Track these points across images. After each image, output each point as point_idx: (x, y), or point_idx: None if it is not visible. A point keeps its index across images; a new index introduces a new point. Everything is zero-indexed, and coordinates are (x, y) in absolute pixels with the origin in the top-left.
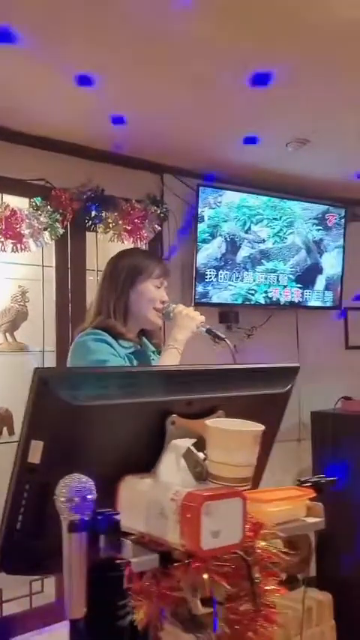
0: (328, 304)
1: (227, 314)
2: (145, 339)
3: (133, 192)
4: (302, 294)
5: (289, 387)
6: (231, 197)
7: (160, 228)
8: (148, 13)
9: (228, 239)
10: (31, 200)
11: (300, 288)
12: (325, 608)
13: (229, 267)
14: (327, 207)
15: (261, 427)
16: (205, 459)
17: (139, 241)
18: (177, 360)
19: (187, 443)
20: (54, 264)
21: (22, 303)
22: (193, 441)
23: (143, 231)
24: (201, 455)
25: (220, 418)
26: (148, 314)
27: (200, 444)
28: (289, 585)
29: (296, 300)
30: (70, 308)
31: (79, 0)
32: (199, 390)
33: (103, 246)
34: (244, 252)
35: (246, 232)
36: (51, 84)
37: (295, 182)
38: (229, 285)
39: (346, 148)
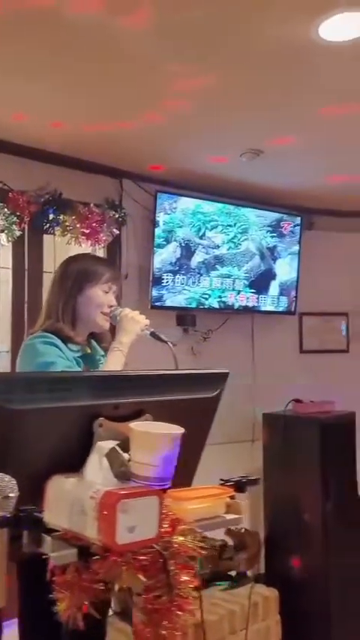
0: (282, 309)
1: (184, 317)
2: (94, 343)
3: (92, 197)
4: (256, 299)
5: (217, 391)
6: (186, 203)
7: (118, 232)
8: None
9: (183, 244)
10: None
11: (254, 293)
12: (271, 603)
13: (183, 272)
14: (281, 215)
15: (180, 430)
16: (129, 460)
17: (96, 245)
18: (121, 361)
19: (110, 444)
20: (11, 266)
21: None
22: (116, 442)
23: (101, 235)
24: (126, 456)
25: (145, 421)
26: (96, 318)
27: (126, 446)
28: (240, 581)
29: (250, 305)
30: (26, 310)
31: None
32: (127, 395)
33: (61, 249)
34: (198, 258)
35: (200, 238)
36: (6, 88)
37: (250, 190)
38: (184, 289)
39: (299, 159)
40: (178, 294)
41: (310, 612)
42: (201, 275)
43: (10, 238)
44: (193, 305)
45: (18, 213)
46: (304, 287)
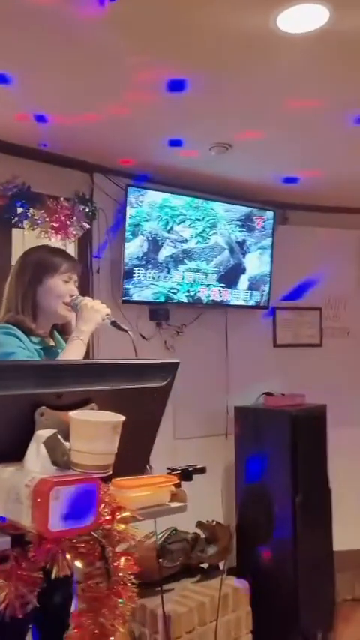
0: (252, 303)
1: (157, 311)
2: (57, 335)
3: (62, 191)
4: (228, 293)
5: (167, 381)
6: (153, 197)
7: (89, 226)
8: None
9: (150, 238)
10: None
11: (224, 287)
12: (242, 595)
13: (150, 266)
14: (251, 209)
15: (120, 418)
16: (70, 449)
17: (66, 239)
18: (82, 350)
19: (48, 433)
20: None
21: None
22: (54, 431)
23: (71, 229)
24: (67, 444)
25: (87, 410)
26: (57, 309)
27: (68, 434)
28: (211, 573)
29: (220, 300)
30: None
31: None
32: (70, 384)
33: (31, 243)
34: (166, 252)
35: (168, 232)
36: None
37: (222, 185)
38: (151, 283)
39: (270, 153)
40: (146, 289)
41: (279, 603)
42: (169, 269)
43: None
44: (162, 299)
45: None
46: (278, 281)
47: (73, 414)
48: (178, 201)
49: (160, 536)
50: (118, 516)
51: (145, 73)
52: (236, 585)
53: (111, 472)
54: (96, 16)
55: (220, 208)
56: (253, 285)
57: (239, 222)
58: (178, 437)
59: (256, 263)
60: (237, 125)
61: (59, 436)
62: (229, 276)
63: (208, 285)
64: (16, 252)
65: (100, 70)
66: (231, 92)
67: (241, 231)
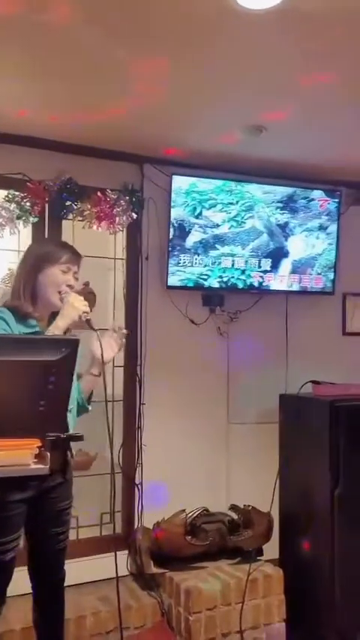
0: (296, 289)
1: (211, 297)
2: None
3: (113, 183)
4: (266, 277)
5: (62, 356)
6: (179, 182)
7: (136, 215)
8: None
9: (175, 224)
10: (8, 192)
11: (261, 272)
12: (274, 582)
13: (176, 253)
14: (294, 189)
15: None
16: None
17: (112, 228)
18: None
19: None
20: None
21: (8, 285)
22: None
23: (117, 219)
24: None
25: None
26: (51, 297)
27: None
28: (251, 558)
29: (256, 284)
30: None
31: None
32: None
33: (80, 233)
34: (194, 238)
35: (196, 217)
36: (27, 87)
37: (257, 165)
38: (178, 270)
39: (308, 131)
40: (172, 276)
41: (315, 597)
42: (197, 255)
43: (25, 224)
44: (190, 285)
45: (31, 201)
46: (344, 266)
47: None
48: (207, 185)
49: (190, 514)
50: None
51: (140, 66)
52: (269, 572)
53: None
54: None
55: (257, 191)
56: (298, 270)
57: (280, 204)
58: (232, 421)
59: (301, 246)
60: (269, 105)
61: None
62: (268, 261)
63: (243, 271)
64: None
65: (96, 74)
66: (257, 73)
67: (282, 214)
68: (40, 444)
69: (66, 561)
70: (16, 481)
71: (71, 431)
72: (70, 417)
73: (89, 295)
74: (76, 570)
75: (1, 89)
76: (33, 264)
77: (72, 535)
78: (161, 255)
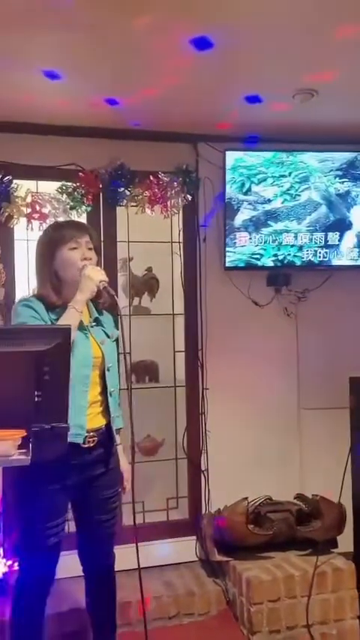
0: None
1: (276, 277)
2: (91, 304)
3: (167, 166)
4: (326, 252)
5: (52, 345)
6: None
7: (190, 197)
8: None
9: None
10: (62, 184)
11: (321, 247)
12: (345, 576)
13: (226, 232)
14: (354, 154)
15: None
16: None
17: (165, 211)
18: (75, 317)
19: None
20: None
21: None
22: None
23: (171, 202)
24: None
25: None
26: (74, 278)
27: None
28: (322, 550)
29: (316, 261)
30: None
31: None
32: None
33: (134, 219)
34: (243, 216)
35: (245, 194)
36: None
37: (310, 133)
38: (227, 250)
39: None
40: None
41: None
42: (248, 234)
43: (79, 213)
44: (242, 265)
45: (85, 190)
46: None
47: None
48: (255, 159)
49: (252, 502)
50: None
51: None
52: (339, 565)
53: None
54: None
55: (312, 160)
56: None
57: (339, 172)
58: (303, 406)
59: None
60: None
61: None
62: (329, 234)
63: (300, 248)
64: (121, 229)
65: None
66: (305, 35)
67: (342, 182)
68: (24, 435)
69: (131, 545)
70: (56, 470)
71: (112, 389)
72: (109, 376)
73: (151, 281)
74: (140, 554)
75: (38, 81)
76: (43, 254)
77: (139, 519)
78: (219, 235)
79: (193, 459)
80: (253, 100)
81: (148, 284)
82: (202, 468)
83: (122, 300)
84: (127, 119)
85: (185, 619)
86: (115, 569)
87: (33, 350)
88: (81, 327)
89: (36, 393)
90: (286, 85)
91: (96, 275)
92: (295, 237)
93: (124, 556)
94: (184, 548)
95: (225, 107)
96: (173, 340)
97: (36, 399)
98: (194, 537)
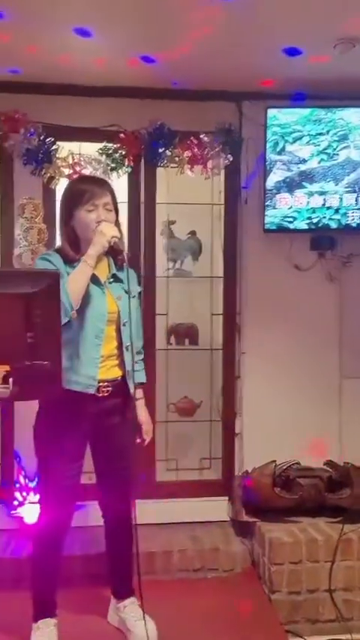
0: None
1: (320, 240)
2: (110, 259)
3: (209, 126)
4: None
5: (39, 288)
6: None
7: (231, 158)
8: None
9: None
10: (104, 144)
11: None
12: None
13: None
14: None
15: None
16: None
17: (205, 172)
18: (86, 271)
19: None
20: (127, 200)
21: None
22: None
23: (211, 162)
24: None
25: None
26: (89, 237)
27: None
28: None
29: (354, 224)
30: (142, 239)
31: None
32: None
33: (174, 180)
34: (276, 177)
35: (278, 154)
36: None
37: (351, 88)
38: (267, 213)
39: None
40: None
41: None
42: (281, 195)
43: (120, 173)
44: (273, 228)
45: (125, 151)
46: None
47: None
48: (289, 116)
49: (280, 465)
50: None
51: None
52: None
53: None
54: None
55: (353, 116)
56: None
57: None
58: (345, 375)
59: None
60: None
61: None
62: None
63: (337, 210)
64: (161, 190)
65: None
66: None
67: None
68: (7, 369)
69: (163, 500)
70: (70, 415)
71: (127, 344)
72: (124, 331)
73: (195, 245)
74: (171, 510)
75: (71, 39)
76: (64, 210)
77: (172, 476)
78: (259, 197)
79: (227, 422)
80: (292, 52)
81: (191, 247)
82: (237, 432)
83: (164, 263)
84: (166, 78)
85: (209, 574)
86: (142, 522)
87: (21, 292)
88: (98, 283)
89: (28, 334)
90: (326, 35)
91: (108, 231)
92: (332, 199)
93: (152, 511)
94: (215, 508)
95: (263, 62)
96: (211, 303)
97: (29, 340)
98: (226, 498)
